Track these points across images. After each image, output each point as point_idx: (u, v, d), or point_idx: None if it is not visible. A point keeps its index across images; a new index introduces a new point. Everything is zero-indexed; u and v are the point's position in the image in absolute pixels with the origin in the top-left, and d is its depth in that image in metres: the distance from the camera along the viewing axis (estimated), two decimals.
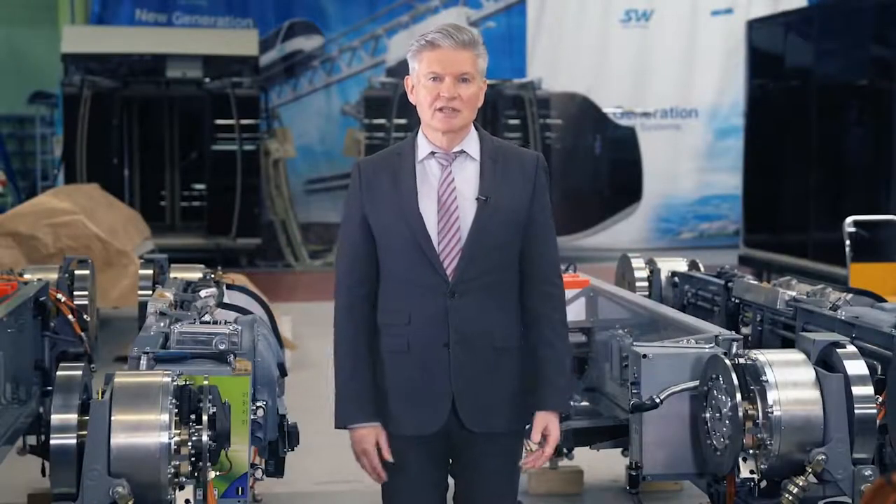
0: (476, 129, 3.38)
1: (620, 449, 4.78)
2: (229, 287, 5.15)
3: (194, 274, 5.43)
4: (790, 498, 3.52)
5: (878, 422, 3.63)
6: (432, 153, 3.33)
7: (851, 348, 3.72)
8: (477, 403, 3.28)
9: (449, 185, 3.30)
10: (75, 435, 3.34)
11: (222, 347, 3.52)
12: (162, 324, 3.93)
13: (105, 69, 15.02)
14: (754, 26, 13.84)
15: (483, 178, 3.30)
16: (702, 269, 5.79)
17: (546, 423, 3.32)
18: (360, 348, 3.32)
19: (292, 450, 3.84)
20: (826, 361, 3.71)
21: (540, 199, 3.35)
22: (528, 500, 5.48)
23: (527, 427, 3.37)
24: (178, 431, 3.15)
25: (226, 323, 3.76)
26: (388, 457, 3.29)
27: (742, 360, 3.68)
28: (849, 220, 9.22)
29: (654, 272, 5.91)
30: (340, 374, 3.33)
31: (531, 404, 3.34)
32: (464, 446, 3.35)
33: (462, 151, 3.33)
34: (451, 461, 3.42)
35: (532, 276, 3.36)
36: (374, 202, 3.33)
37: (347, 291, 3.35)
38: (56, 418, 3.40)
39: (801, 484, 3.51)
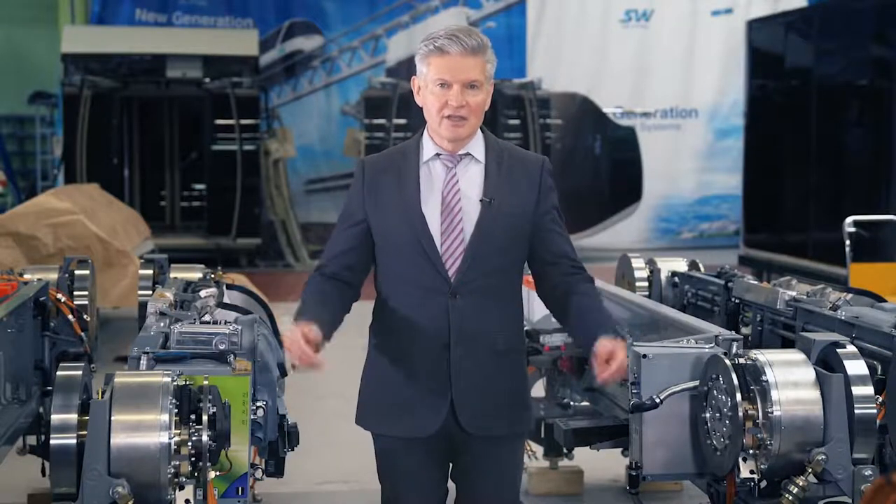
0: (482, 131, 3.36)
1: (620, 449, 4.78)
2: (229, 287, 5.14)
3: (194, 274, 5.42)
4: (790, 498, 3.52)
5: (878, 422, 3.63)
6: (437, 154, 3.32)
7: (851, 348, 3.72)
8: (476, 406, 3.28)
9: (453, 187, 3.29)
10: (75, 435, 3.34)
11: (222, 347, 3.52)
12: (162, 324, 3.93)
13: (105, 69, 15.02)
14: (754, 26, 13.83)
15: (488, 181, 3.30)
16: (702, 269, 5.78)
17: (612, 347, 3.19)
18: (327, 290, 3.31)
19: (292, 450, 3.84)
20: (826, 361, 3.71)
21: (546, 201, 3.35)
22: (528, 500, 5.48)
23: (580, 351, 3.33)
24: (178, 431, 3.14)
25: (226, 323, 3.76)
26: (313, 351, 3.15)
27: (742, 360, 3.68)
28: (849, 220, 9.22)
29: (654, 272, 5.90)
30: (302, 297, 3.32)
31: (582, 336, 3.31)
32: (464, 449, 3.34)
33: (467, 154, 3.32)
34: (451, 466, 3.42)
35: (551, 272, 3.36)
36: (376, 202, 3.32)
37: (324, 268, 3.36)
38: (56, 418, 3.40)
39: (801, 484, 3.51)
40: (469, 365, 3.26)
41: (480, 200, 3.27)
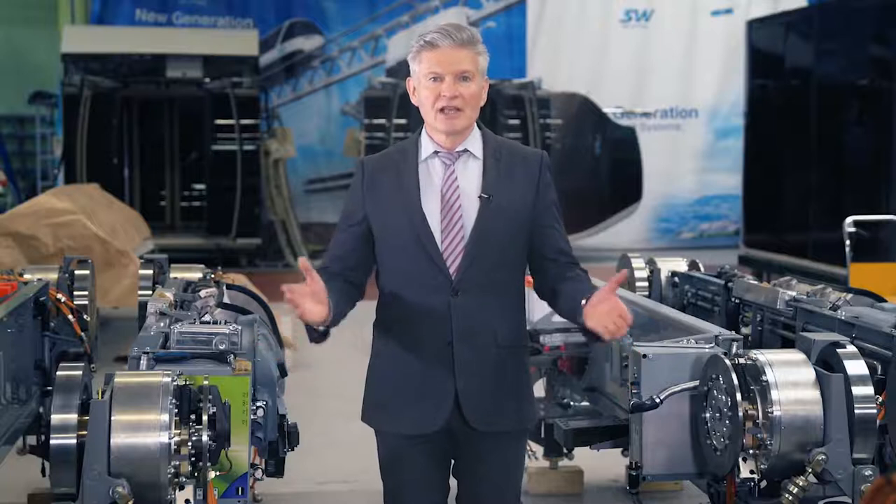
0: (479, 127, 3.37)
1: (620, 449, 4.78)
2: (229, 287, 5.14)
3: (194, 274, 5.42)
4: (790, 498, 3.52)
5: (878, 422, 3.63)
6: (435, 152, 3.33)
7: (851, 348, 3.72)
8: (482, 402, 3.28)
9: (452, 184, 3.29)
10: (75, 435, 3.34)
11: (222, 347, 3.52)
12: (162, 324, 3.93)
13: (105, 69, 15.03)
14: (754, 26, 13.84)
15: (486, 177, 3.30)
16: (702, 269, 5.78)
17: (600, 295, 3.11)
18: (331, 284, 3.25)
19: (292, 450, 3.84)
20: (826, 361, 3.71)
21: (545, 196, 3.35)
22: (527, 500, 5.48)
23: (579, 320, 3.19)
24: (178, 431, 3.14)
25: (226, 323, 3.76)
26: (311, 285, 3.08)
27: (742, 360, 3.68)
28: (849, 220, 9.22)
29: (654, 272, 5.91)
30: None
31: (574, 312, 3.22)
32: (466, 445, 3.35)
33: (465, 150, 3.32)
34: (453, 462, 3.43)
35: (550, 267, 3.37)
36: (376, 201, 3.33)
37: (326, 269, 3.34)
38: (56, 418, 3.40)
39: (801, 484, 3.51)
40: (472, 361, 3.27)
41: (479, 197, 3.27)
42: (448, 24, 3.29)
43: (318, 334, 3.21)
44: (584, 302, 3.16)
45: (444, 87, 3.23)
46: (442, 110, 3.25)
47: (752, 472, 3.60)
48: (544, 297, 3.44)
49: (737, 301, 5.03)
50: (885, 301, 4.47)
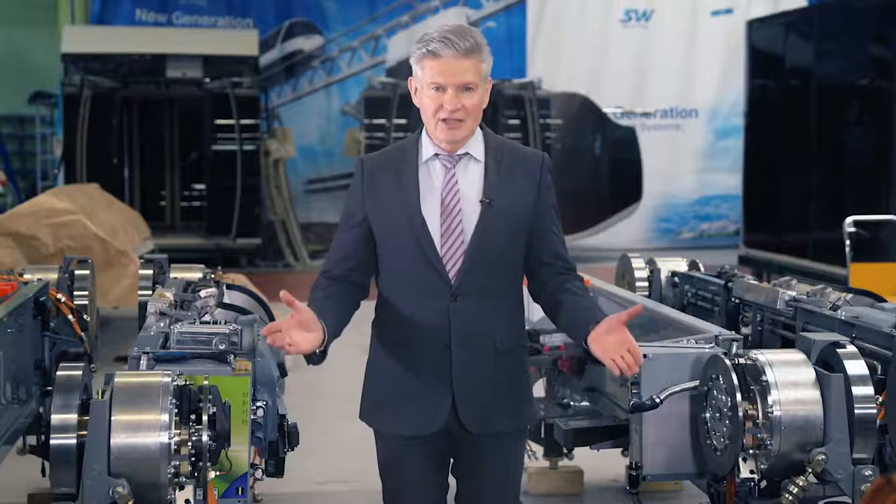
0: (481, 128, 3.34)
1: (620, 449, 4.78)
2: (229, 287, 5.14)
3: (194, 274, 5.42)
4: (790, 498, 3.52)
5: (878, 422, 3.63)
6: (436, 155, 3.31)
7: (851, 348, 3.72)
8: (477, 405, 3.27)
9: (452, 188, 3.27)
10: (75, 435, 3.35)
11: (222, 347, 3.52)
12: (162, 324, 3.93)
13: (105, 69, 15.04)
14: (754, 26, 13.84)
15: (487, 180, 3.27)
16: (702, 269, 5.78)
17: (608, 323, 3.10)
18: (333, 292, 3.26)
19: (292, 450, 3.84)
20: (826, 361, 3.71)
21: (546, 199, 3.33)
22: (527, 500, 5.48)
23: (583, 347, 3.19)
24: (178, 431, 3.14)
25: (226, 323, 3.76)
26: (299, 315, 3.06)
27: (742, 360, 3.68)
28: (849, 220, 9.22)
29: (654, 272, 5.91)
30: (308, 299, 3.24)
31: (578, 332, 3.21)
32: (465, 446, 3.34)
33: (466, 153, 3.31)
34: (452, 461, 3.42)
35: (545, 272, 3.36)
36: (376, 201, 3.31)
37: (328, 272, 3.34)
38: (56, 418, 3.40)
39: (801, 484, 3.51)
40: (470, 365, 3.26)
41: (480, 201, 3.26)
42: (451, 30, 3.22)
43: (316, 357, 3.18)
44: (591, 326, 3.15)
45: (447, 99, 3.20)
46: (444, 120, 3.23)
47: (752, 472, 3.60)
48: (540, 303, 3.43)
49: (737, 301, 5.03)
50: (885, 301, 4.47)
